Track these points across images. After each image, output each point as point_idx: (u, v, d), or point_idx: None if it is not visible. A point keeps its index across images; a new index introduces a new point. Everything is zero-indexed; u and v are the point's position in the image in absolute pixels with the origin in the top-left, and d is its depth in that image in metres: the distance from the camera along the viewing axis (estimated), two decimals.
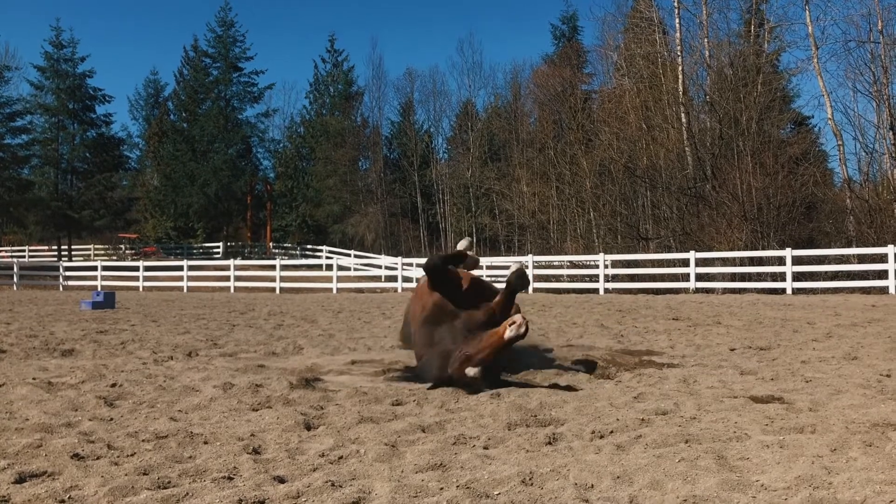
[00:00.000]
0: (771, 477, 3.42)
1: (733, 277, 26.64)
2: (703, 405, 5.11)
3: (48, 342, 9.56)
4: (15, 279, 38.44)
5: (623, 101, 40.45)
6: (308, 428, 4.60)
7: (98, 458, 3.83)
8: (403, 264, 36.22)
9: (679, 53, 37.71)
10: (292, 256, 56.89)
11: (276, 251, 60.73)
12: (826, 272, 25.13)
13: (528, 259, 29.54)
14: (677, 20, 37.73)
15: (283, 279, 33.22)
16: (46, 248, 61.53)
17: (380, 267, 40.52)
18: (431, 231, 60.23)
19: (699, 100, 38.77)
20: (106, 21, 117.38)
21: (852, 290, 22.77)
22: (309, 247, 60.27)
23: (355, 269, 40.13)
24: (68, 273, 39.76)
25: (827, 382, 6.03)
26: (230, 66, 64.78)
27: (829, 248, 28.60)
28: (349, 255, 48.43)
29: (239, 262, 37.99)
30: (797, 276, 23.67)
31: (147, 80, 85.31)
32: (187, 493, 3.25)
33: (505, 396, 5.54)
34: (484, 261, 36.80)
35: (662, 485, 3.33)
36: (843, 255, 26.04)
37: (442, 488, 3.32)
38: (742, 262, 27.55)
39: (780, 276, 24.30)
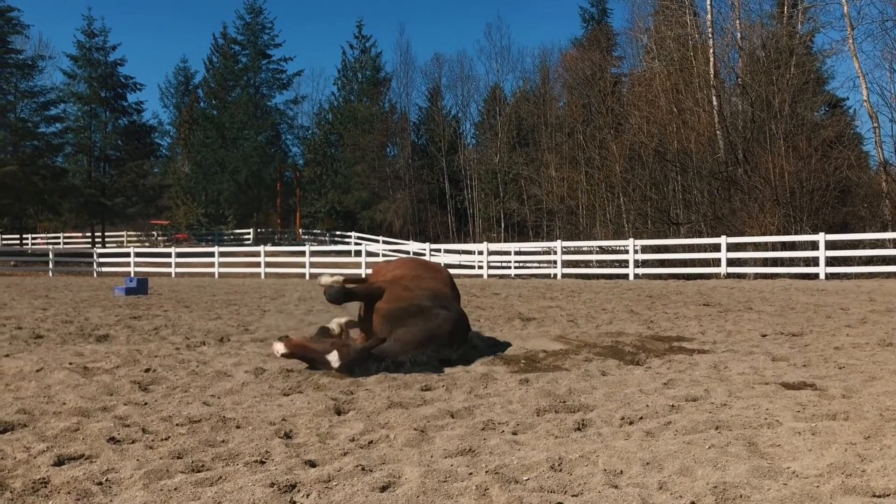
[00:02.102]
0: (803, 464, 3.39)
1: (765, 262, 26.33)
2: (733, 392, 5.08)
3: (83, 328, 9.72)
4: (50, 266, 39.10)
5: (653, 84, 40.01)
6: (338, 413, 4.64)
7: (133, 442, 3.91)
8: (432, 250, 36.30)
9: (710, 35, 37.20)
10: (321, 242, 57.27)
11: (306, 237, 61.14)
12: (860, 257, 24.72)
13: (557, 244, 29.41)
14: (708, 1, 37.20)
15: (312, 265, 33.40)
16: (80, 234, 62.54)
17: (408, 253, 40.61)
18: (459, 217, 60.22)
19: (731, 82, 38.25)
20: (136, 10, 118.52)
21: (887, 276, 22.40)
22: (338, 233, 60.61)
23: (384, 255, 40.24)
24: (102, 259, 40.35)
25: (861, 369, 5.95)
26: (259, 54, 65.08)
27: (864, 232, 28.14)
28: (377, 241, 48.61)
29: (269, 248, 38.28)
30: (831, 261, 23.31)
31: (177, 67, 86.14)
32: (220, 477, 3.30)
33: (534, 382, 5.54)
34: (512, 246, 36.79)
35: (692, 471, 3.32)
36: (878, 240, 25.58)
37: (471, 473, 3.34)
38: (774, 246, 27.19)
39: (814, 261, 23.96)
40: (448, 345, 6.41)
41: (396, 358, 6.02)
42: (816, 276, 22.82)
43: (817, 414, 4.36)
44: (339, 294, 6.75)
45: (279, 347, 5.98)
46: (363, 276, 7.84)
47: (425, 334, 6.32)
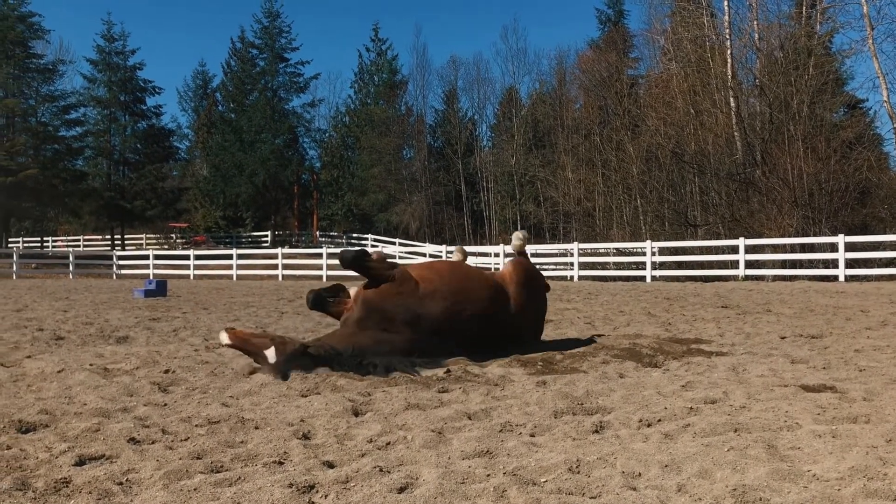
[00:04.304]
0: (823, 467, 3.36)
1: (784, 264, 26.15)
2: (752, 394, 5.04)
3: (103, 329, 9.80)
4: (71, 268, 39.48)
5: (670, 85, 39.86)
6: (356, 414, 4.65)
7: (153, 443, 3.93)
8: (448, 252, 36.30)
9: (728, 36, 36.99)
10: (338, 245, 57.43)
11: (323, 240, 61.37)
12: (881, 259, 24.50)
13: (574, 246, 29.33)
14: (726, 2, 37.02)
15: (329, 267, 33.53)
16: (100, 237, 63.09)
17: (424, 255, 40.68)
18: (475, 219, 60.18)
19: (748, 83, 38.04)
20: (155, 14, 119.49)
21: None
22: (354, 235, 60.75)
23: (400, 258, 40.34)
24: (121, 262, 40.73)
25: (882, 371, 5.90)
26: (276, 57, 65.42)
27: (885, 234, 27.87)
28: (394, 244, 48.69)
29: (286, 250, 38.49)
30: (850, 263, 23.11)
31: (195, 71, 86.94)
32: (239, 478, 3.31)
33: (551, 384, 5.53)
34: (528, 248, 36.72)
35: (711, 473, 3.30)
36: None
37: (489, 475, 3.34)
38: (793, 248, 26.99)
39: (833, 263, 23.76)
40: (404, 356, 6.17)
41: (338, 360, 5.93)
42: (836, 278, 22.62)
43: (838, 417, 4.32)
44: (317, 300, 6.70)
45: (223, 337, 5.99)
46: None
47: (383, 344, 6.16)
